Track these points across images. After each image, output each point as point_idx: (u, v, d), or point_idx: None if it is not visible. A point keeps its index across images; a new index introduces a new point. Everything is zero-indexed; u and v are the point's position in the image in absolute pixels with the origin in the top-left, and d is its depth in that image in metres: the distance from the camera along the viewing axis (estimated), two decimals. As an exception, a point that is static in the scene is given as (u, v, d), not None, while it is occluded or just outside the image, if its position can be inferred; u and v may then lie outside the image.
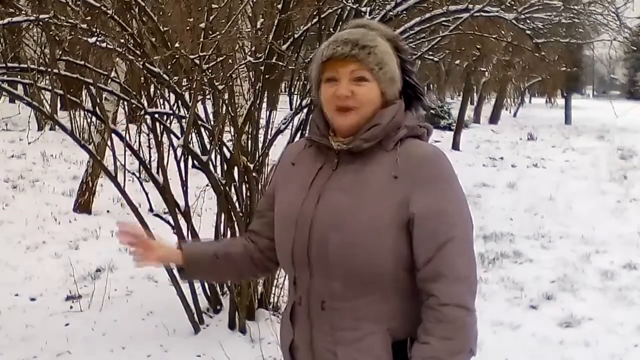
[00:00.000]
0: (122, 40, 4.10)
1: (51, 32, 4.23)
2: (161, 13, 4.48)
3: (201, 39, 4.04)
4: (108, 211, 7.73)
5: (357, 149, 1.57)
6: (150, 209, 4.45)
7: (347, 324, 1.56)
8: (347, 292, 1.55)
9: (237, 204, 4.36)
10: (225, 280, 1.84)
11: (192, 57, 3.96)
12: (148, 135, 4.49)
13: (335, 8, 4.77)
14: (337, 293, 1.56)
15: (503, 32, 7.58)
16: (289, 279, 1.68)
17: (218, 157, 4.42)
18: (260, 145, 4.54)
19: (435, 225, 1.51)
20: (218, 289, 4.60)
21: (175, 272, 1.83)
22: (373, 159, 1.58)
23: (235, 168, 4.34)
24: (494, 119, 25.99)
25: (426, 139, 1.66)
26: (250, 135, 4.45)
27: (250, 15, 4.67)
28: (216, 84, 4.20)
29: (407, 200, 1.52)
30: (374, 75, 1.58)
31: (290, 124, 4.57)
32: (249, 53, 4.61)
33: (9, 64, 4.29)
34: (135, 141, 4.43)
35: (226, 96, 4.26)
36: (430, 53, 6.99)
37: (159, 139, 4.32)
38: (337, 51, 1.58)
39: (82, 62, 4.15)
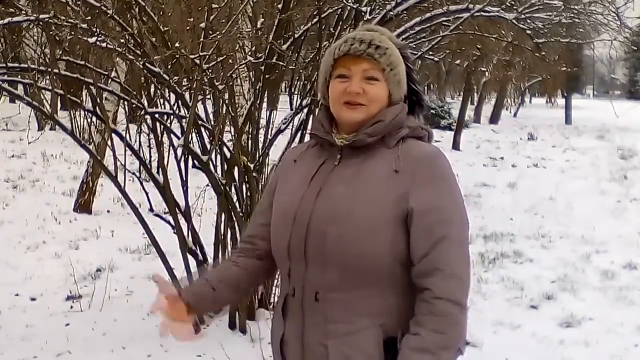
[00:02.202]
0: (122, 40, 4.10)
1: (51, 32, 4.23)
2: (161, 13, 4.48)
3: (201, 39, 4.04)
4: (108, 211, 7.74)
5: (361, 143, 1.60)
6: (151, 209, 4.45)
7: (340, 317, 1.57)
8: (342, 284, 1.56)
9: (237, 204, 4.36)
10: (234, 303, 1.83)
11: (192, 57, 3.96)
12: (148, 135, 4.49)
13: (336, 8, 4.77)
14: (332, 284, 1.56)
15: (503, 32, 7.59)
16: (283, 271, 1.68)
17: (218, 157, 4.41)
18: (260, 145, 4.54)
19: (432, 221, 1.53)
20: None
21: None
22: (375, 154, 1.61)
23: (236, 168, 4.34)
24: (494, 118, 26.00)
25: (426, 142, 1.68)
26: (250, 135, 4.45)
27: (251, 15, 4.67)
28: (216, 83, 4.20)
29: (407, 195, 1.54)
30: (384, 75, 1.62)
31: (291, 124, 4.57)
32: (249, 53, 4.61)
33: (9, 64, 4.29)
34: (136, 141, 4.43)
35: (226, 96, 4.26)
36: (431, 53, 7.00)
37: (159, 138, 4.32)
38: (353, 48, 1.61)
39: (82, 62, 4.15)
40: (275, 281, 4.53)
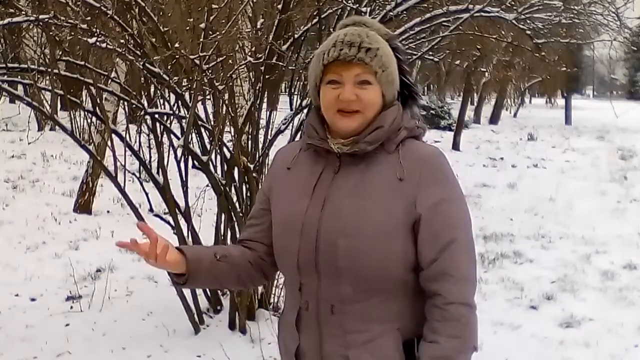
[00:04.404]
0: (122, 41, 4.10)
1: (51, 33, 4.23)
2: (161, 13, 4.48)
3: (201, 39, 4.04)
4: (108, 211, 7.74)
5: (362, 151, 1.56)
6: (151, 209, 4.45)
7: (357, 327, 1.56)
8: (357, 295, 1.54)
9: (237, 205, 4.36)
10: (225, 286, 1.62)
11: (192, 57, 3.96)
12: (148, 135, 4.49)
13: (336, 8, 4.77)
14: (347, 297, 1.55)
15: (503, 33, 7.59)
16: (292, 284, 1.64)
17: (218, 157, 4.42)
18: (260, 145, 4.54)
19: (440, 225, 1.52)
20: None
21: (169, 277, 1.67)
22: (375, 161, 1.58)
23: (236, 168, 4.34)
24: (494, 119, 25.98)
25: (422, 139, 1.67)
26: (250, 136, 4.45)
27: (251, 15, 4.67)
28: (216, 84, 4.20)
29: (413, 201, 1.53)
30: (377, 78, 1.56)
31: (291, 124, 4.57)
32: (249, 53, 4.61)
33: (9, 64, 4.29)
34: (136, 141, 4.43)
35: (226, 96, 4.26)
36: (431, 53, 6.99)
37: (159, 139, 4.32)
38: (342, 54, 1.55)
39: (82, 63, 4.15)
40: (275, 281, 4.54)
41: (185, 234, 4.31)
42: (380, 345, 1.55)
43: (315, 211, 1.57)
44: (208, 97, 4.54)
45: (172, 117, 4.44)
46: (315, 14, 4.39)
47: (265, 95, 4.63)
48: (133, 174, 4.33)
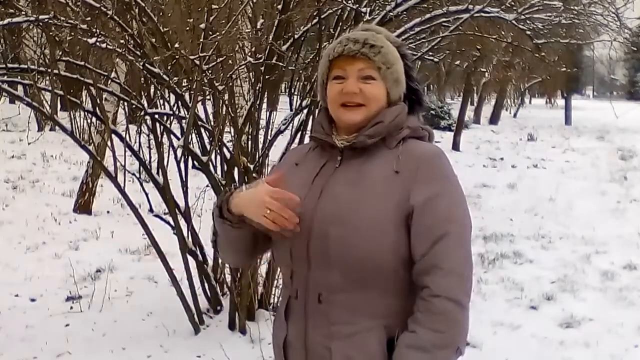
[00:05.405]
0: (122, 41, 4.10)
1: (51, 33, 4.23)
2: (161, 14, 4.48)
3: (201, 40, 4.04)
4: (108, 212, 7.74)
5: (361, 144, 1.60)
6: (151, 210, 4.45)
7: (343, 318, 1.56)
8: (346, 285, 1.55)
9: (237, 205, 4.35)
10: (241, 247, 1.55)
11: (192, 57, 3.96)
12: (148, 135, 4.49)
13: (335, 9, 4.77)
14: (335, 286, 1.56)
15: (503, 33, 7.59)
16: (286, 273, 1.68)
17: (218, 157, 4.42)
18: (260, 145, 4.54)
19: (432, 219, 1.52)
20: (218, 289, 4.61)
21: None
22: (376, 156, 1.61)
23: (236, 169, 4.34)
24: (494, 119, 26.00)
25: (427, 142, 1.68)
26: (250, 136, 4.45)
27: (251, 15, 4.67)
28: (216, 84, 4.20)
29: (408, 194, 1.54)
30: (380, 74, 1.62)
31: (290, 125, 4.57)
32: (249, 54, 4.61)
33: (9, 65, 4.29)
34: (135, 142, 4.43)
35: (226, 97, 4.26)
36: (431, 53, 6.99)
37: (159, 139, 4.32)
38: (347, 49, 1.62)
39: (82, 63, 4.15)
40: (275, 282, 4.54)
41: (185, 234, 4.31)
42: (364, 340, 1.55)
43: (311, 200, 1.61)
44: (208, 97, 4.54)
45: (172, 118, 4.44)
46: (315, 14, 4.39)
47: (265, 95, 4.63)
48: (133, 174, 4.33)
